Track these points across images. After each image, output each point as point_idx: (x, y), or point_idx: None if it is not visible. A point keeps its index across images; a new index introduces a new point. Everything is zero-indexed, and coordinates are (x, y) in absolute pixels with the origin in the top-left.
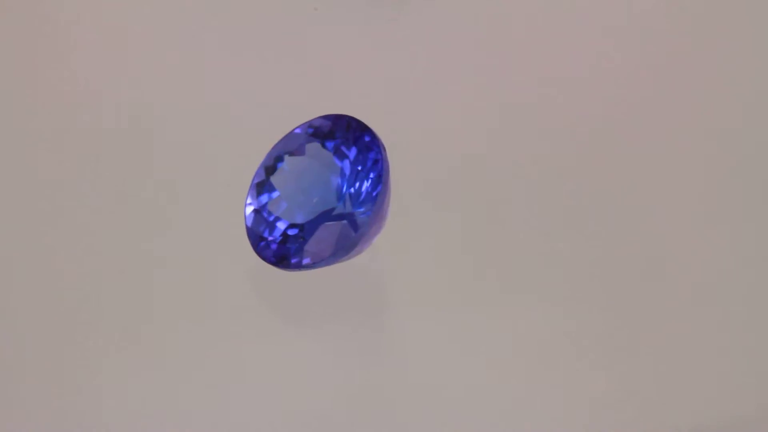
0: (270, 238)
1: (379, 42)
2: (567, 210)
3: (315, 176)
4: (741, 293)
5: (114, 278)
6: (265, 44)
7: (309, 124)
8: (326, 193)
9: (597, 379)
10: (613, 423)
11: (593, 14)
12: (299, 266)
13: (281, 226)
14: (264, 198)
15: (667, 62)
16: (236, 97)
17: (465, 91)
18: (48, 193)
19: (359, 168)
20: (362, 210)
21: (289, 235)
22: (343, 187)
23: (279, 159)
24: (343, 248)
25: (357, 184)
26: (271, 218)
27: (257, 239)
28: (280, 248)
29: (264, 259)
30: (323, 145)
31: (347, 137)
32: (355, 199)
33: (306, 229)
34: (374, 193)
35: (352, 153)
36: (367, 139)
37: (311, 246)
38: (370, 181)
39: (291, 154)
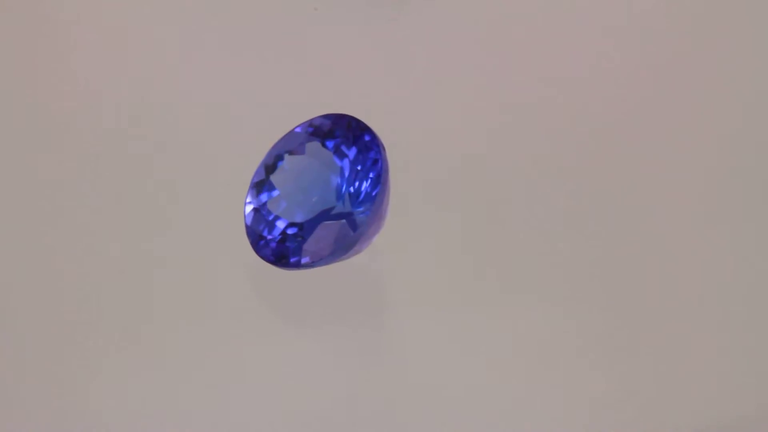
0: (269, 237)
1: (379, 42)
2: (567, 210)
3: (315, 175)
4: (741, 293)
5: (114, 278)
6: (265, 44)
7: (309, 123)
8: (325, 192)
9: (597, 379)
10: (613, 423)
11: (593, 14)
12: (298, 265)
13: (280, 225)
14: (264, 197)
15: (667, 62)
16: (236, 97)
17: (465, 91)
18: (48, 193)
19: (359, 168)
20: (361, 209)
21: (288, 234)
22: (342, 186)
23: (279, 158)
24: (342, 247)
25: (356, 184)
26: (271, 217)
27: (257, 238)
28: (279, 247)
29: (263, 258)
30: (323, 144)
31: (347, 136)
32: (355, 198)
33: (305, 228)
34: (373, 193)
35: (352, 152)
36: (367, 138)
37: (310, 245)
38: (369, 180)
39: (291, 152)
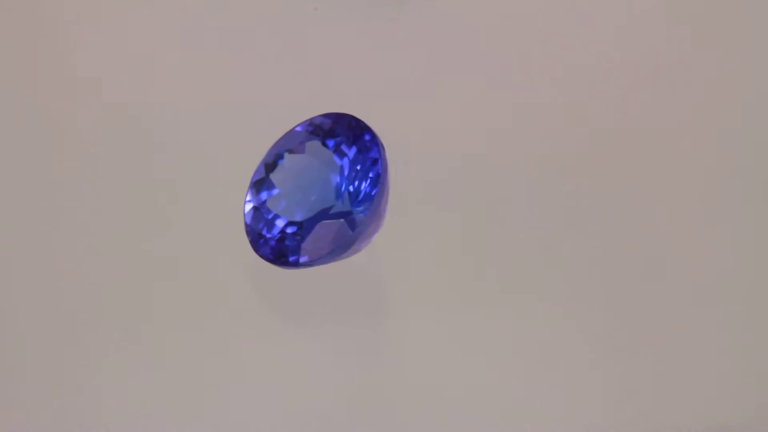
0: (268, 236)
1: (379, 42)
2: (567, 210)
3: (314, 174)
4: (741, 293)
5: (114, 278)
6: (265, 44)
7: (310, 122)
8: (325, 191)
9: (597, 379)
10: (613, 423)
11: (593, 14)
12: (297, 264)
13: (280, 223)
14: (264, 195)
15: (667, 62)
16: (236, 96)
17: (465, 91)
18: (48, 193)
19: (358, 167)
20: (360, 209)
21: (287, 233)
22: (341, 185)
23: (279, 156)
24: (341, 247)
25: (356, 183)
26: (270, 216)
27: (256, 236)
28: (278, 246)
29: (262, 256)
30: (323, 143)
31: (348, 136)
32: (354, 197)
33: (304, 227)
34: (373, 193)
35: (352, 152)
36: (367, 138)
37: (308, 244)
38: (368, 180)
39: (291, 151)
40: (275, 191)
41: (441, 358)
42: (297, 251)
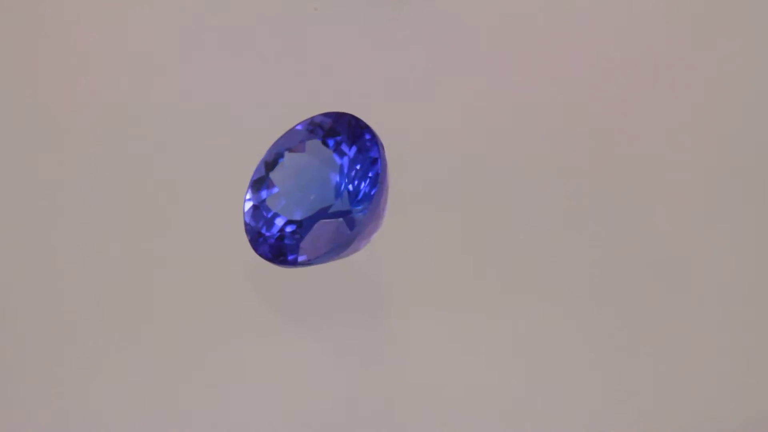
0: (267, 234)
1: (379, 42)
2: (567, 210)
3: (314, 173)
4: (741, 293)
5: (114, 278)
6: (265, 44)
7: (310, 121)
8: (324, 190)
9: (597, 379)
10: (613, 423)
11: (593, 14)
12: (295, 263)
13: (279, 222)
14: (263, 194)
15: (667, 62)
16: (236, 96)
17: (465, 91)
18: (48, 193)
19: (358, 166)
20: (359, 208)
21: (287, 232)
22: (341, 184)
23: (279, 155)
24: (339, 246)
25: (355, 182)
26: (269, 214)
27: (255, 235)
28: (277, 244)
29: (261, 255)
30: (324, 142)
31: (348, 135)
32: (353, 197)
33: (303, 226)
34: (372, 192)
35: (352, 151)
36: (367, 137)
37: (307, 243)
38: (368, 179)
39: (291, 150)
40: (275, 190)
41: (441, 358)
42: (296, 250)
